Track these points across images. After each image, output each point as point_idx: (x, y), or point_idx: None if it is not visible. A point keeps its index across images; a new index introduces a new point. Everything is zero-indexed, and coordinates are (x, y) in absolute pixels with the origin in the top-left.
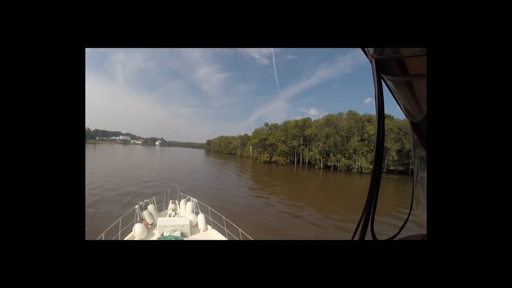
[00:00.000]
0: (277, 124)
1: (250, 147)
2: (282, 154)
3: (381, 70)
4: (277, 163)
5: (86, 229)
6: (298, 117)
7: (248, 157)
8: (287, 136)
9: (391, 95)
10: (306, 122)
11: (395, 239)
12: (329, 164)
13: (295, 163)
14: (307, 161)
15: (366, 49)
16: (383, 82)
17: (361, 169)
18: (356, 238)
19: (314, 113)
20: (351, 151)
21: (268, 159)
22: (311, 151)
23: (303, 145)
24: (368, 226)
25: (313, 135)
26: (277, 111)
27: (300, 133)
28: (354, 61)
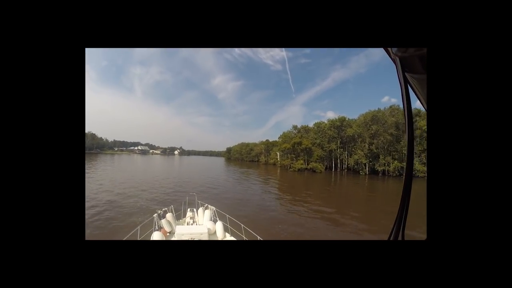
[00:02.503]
0: (307, 126)
1: (278, 153)
2: (318, 159)
3: (405, 68)
4: (314, 171)
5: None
6: (315, 121)
7: (275, 164)
8: (322, 138)
9: (415, 94)
10: (343, 122)
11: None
12: (378, 168)
13: (333, 169)
14: (346, 166)
15: (389, 48)
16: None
17: (415, 172)
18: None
19: (331, 116)
20: (405, 152)
21: (303, 166)
22: (355, 154)
23: (340, 148)
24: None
25: (356, 135)
26: (293, 116)
27: (337, 134)
28: (368, 60)
